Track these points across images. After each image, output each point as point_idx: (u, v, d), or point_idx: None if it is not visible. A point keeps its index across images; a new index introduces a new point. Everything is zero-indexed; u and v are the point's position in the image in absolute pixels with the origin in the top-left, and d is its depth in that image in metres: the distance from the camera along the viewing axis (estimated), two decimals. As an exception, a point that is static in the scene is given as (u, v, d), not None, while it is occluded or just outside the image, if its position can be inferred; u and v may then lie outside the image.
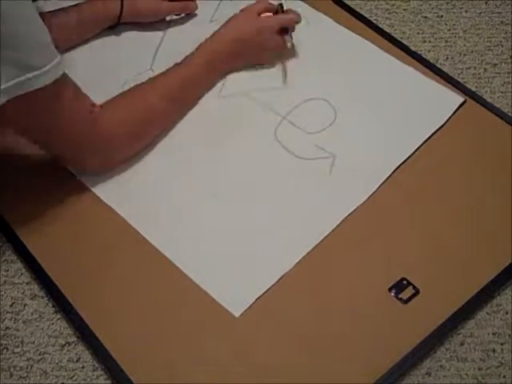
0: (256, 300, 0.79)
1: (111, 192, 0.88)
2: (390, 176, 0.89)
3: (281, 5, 0.99)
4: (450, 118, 0.94)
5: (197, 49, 0.94)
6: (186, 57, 0.93)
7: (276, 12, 0.99)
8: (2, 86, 0.69)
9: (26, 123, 0.78)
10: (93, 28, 1.03)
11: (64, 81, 0.76)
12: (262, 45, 0.97)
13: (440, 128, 0.93)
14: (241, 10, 0.98)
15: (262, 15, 0.98)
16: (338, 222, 0.85)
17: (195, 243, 0.84)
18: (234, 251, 0.83)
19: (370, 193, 0.87)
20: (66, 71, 0.76)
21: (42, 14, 0.73)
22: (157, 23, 1.07)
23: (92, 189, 0.88)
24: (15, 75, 0.70)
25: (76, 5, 0.99)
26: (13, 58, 0.69)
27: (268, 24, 0.97)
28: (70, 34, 1.00)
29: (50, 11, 0.96)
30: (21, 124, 0.78)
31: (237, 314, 0.78)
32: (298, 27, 0.99)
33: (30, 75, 0.70)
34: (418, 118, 0.95)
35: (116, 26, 1.04)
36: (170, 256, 0.82)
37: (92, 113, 0.82)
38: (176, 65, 0.93)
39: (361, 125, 0.94)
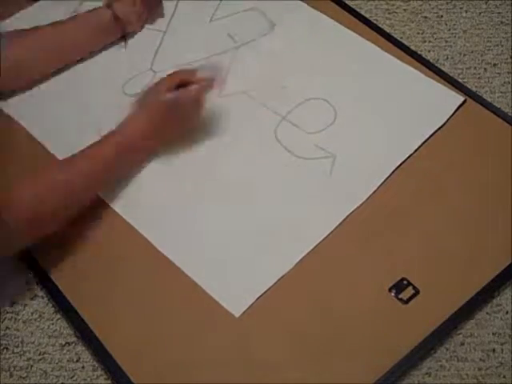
0: (256, 300, 0.79)
1: (112, 193, 0.88)
2: (389, 176, 0.89)
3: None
4: (450, 117, 0.94)
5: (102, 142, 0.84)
6: (93, 145, 0.83)
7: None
8: None
9: None
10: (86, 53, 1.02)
11: None
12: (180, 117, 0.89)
13: (440, 128, 0.93)
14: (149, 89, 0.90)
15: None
16: (338, 223, 0.85)
17: (195, 243, 0.84)
18: (234, 251, 0.83)
19: (370, 193, 0.87)
20: None
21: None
22: (157, 23, 1.07)
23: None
24: None
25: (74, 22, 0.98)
26: None
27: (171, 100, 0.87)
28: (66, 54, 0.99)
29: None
30: None
31: (237, 314, 0.78)
32: (298, 28, 0.99)
33: None
34: (418, 118, 0.95)
35: None
36: (170, 256, 0.82)
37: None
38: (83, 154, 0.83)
39: (361, 125, 0.94)
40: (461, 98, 0.96)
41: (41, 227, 0.78)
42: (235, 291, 0.80)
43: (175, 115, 0.88)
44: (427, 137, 0.92)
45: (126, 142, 0.85)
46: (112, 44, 1.03)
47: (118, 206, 0.87)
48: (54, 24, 0.96)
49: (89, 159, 0.83)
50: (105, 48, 1.02)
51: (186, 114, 0.90)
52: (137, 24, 1.04)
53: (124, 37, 1.03)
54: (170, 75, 0.90)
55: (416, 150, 0.91)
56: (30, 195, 0.77)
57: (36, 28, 0.95)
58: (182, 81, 0.88)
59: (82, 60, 1.01)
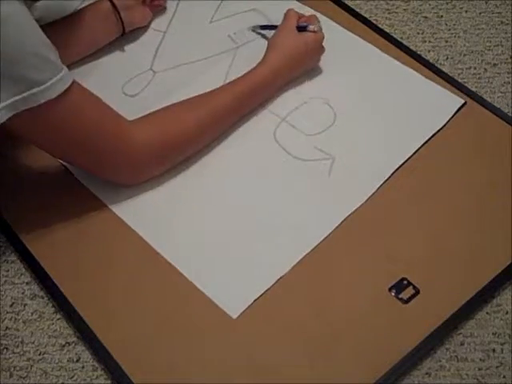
0: (256, 300, 0.79)
1: (109, 193, 0.88)
2: (388, 178, 0.89)
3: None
4: (449, 120, 0.94)
5: (242, 76, 0.92)
6: (229, 83, 0.92)
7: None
8: (3, 103, 0.69)
9: (43, 137, 0.77)
10: (93, 47, 1.01)
11: (79, 93, 0.75)
12: (308, 56, 0.97)
13: (439, 130, 0.93)
14: (279, 28, 0.97)
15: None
16: (337, 225, 0.85)
17: (193, 245, 0.84)
18: (232, 252, 0.83)
19: (369, 195, 0.87)
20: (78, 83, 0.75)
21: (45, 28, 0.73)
22: (156, 23, 1.07)
23: (89, 188, 0.88)
24: (17, 91, 0.70)
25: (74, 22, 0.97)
26: (13, 74, 0.69)
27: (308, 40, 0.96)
28: (69, 53, 0.97)
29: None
30: (39, 139, 0.77)
31: (234, 316, 0.78)
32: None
33: (34, 90, 0.70)
34: (418, 120, 0.95)
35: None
36: (168, 257, 0.82)
37: (119, 127, 0.80)
38: (220, 88, 0.90)
39: (360, 127, 0.94)
40: (461, 101, 0.96)
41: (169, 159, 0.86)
42: (233, 293, 0.80)
43: (310, 53, 0.96)
44: (426, 139, 0.92)
45: (261, 80, 0.92)
46: (112, 44, 1.03)
47: (117, 207, 0.87)
48: (51, 23, 0.96)
49: (226, 93, 0.89)
50: (105, 47, 1.02)
51: (316, 53, 0.98)
52: (139, 20, 1.03)
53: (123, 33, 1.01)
54: (292, 13, 0.97)
55: (415, 152, 0.91)
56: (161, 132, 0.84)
57: None
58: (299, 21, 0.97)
59: (82, 60, 1.01)
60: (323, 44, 0.98)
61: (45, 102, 0.71)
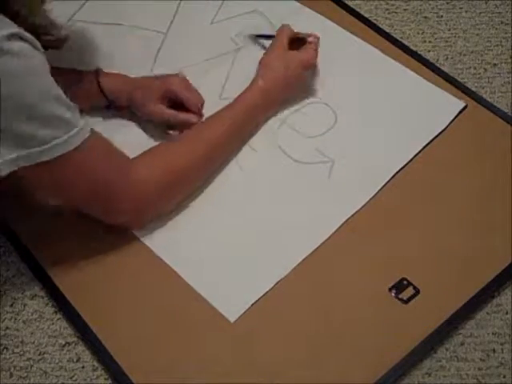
0: (255, 301, 0.79)
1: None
2: (389, 181, 0.89)
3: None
4: (450, 123, 0.94)
5: (234, 101, 0.90)
6: (222, 110, 0.89)
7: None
8: (10, 156, 0.69)
9: (51, 188, 0.76)
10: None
11: (92, 143, 0.74)
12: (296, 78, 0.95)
13: (440, 133, 0.93)
14: (269, 48, 0.96)
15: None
16: (337, 227, 0.85)
17: (192, 248, 0.84)
18: (231, 255, 0.83)
19: (369, 197, 0.87)
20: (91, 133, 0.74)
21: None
22: (157, 25, 1.07)
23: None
24: (20, 147, 0.69)
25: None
26: (26, 131, 0.69)
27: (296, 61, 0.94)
28: None
29: None
30: (43, 189, 0.77)
31: (232, 320, 0.78)
32: (299, 31, 0.99)
33: (40, 148, 0.70)
34: (419, 123, 0.95)
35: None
36: (167, 260, 0.82)
37: (126, 172, 0.79)
38: (213, 117, 0.89)
39: (361, 129, 0.94)
40: (462, 104, 0.96)
41: (173, 190, 0.84)
42: (231, 296, 0.80)
43: (299, 78, 0.95)
44: (427, 142, 0.92)
45: (268, 88, 0.91)
46: (113, 46, 1.03)
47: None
48: None
49: (220, 122, 0.88)
50: (106, 48, 1.02)
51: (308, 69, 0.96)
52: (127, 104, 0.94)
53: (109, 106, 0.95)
54: (284, 31, 0.96)
55: (416, 155, 0.91)
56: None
57: None
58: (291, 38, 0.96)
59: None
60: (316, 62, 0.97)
61: (53, 158, 0.70)
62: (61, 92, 0.71)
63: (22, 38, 0.67)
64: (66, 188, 0.76)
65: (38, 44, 0.70)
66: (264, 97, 0.92)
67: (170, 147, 0.86)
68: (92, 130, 0.75)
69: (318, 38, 0.97)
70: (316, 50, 0.96)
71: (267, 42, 0.99)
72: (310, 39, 0.96)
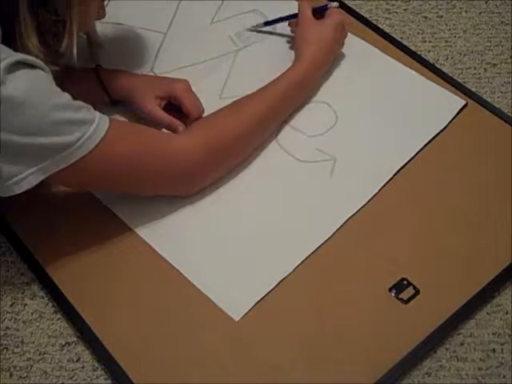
0: (258, 302, 0.79)
1: (108, 193, 0.88)
2: (390, 179, 0.89)
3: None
4: (451, 121, 0.94)
5: (279, 78, 0.92)
6: (271, 83, 0.91)
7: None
8: (33, 169, 0.70)
9: (90, 183, 0.79)
10: None
11: (116, 132, 0.75)
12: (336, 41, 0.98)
13: (441, 131, 0.93)
14: (299, 21, 0.98)
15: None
16: (338, 226, 0.85)
17: (195, 247, 0.84)
18: (234, 254, 0.83)
19: (370, 196, 0.87)
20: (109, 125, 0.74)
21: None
22: (157, 25, 1.07)
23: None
24: (43, 158, 0.70)
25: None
26: (44, 143, 0.69)
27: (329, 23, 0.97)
28: None
29: None
30: (87, 185, 0.81)
31: (236, 318, 0.78)
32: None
33: (65, 153, 0.71)
34: (419, 121, 0.95)
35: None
36: (169, 259, 0.82)
37: (167, 144, 0.81)
38: (262, 90, 0.90)
39: (362, 128, 0.94)
40: (462, 102, 0.96)
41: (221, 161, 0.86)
42: (235, 295, 0.79)
43: (337, 40, 0.97)
44: (427, 141, 0.92)
45: (303, 73, 0.93)
46: (113, 46, 1.03)
47: (116, 208, 0.86)
48: None
49: (268, 94, 0.89)
50: (106, 48, 1.02)
51: (341, 37, 0.99)
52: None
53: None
54: (304, 4, 0.98)
55: (417, 154, 0.91)
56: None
57: None
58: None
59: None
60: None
61: (84, 154, 0.72)
62: (66, 98, 0.71)
63: (25, 64, 0.68)
64: (104, 178, 0.77)
65: (42, 64, 0.70)
66: (310, 70, 0.93)
67: (217, 116, 0.87)
68: (110, 119, 0.75)
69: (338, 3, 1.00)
70: (339, 12, 0.99)
71: (266, 41, 1.00)
72: (331, 4, 0.98)
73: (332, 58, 0.98)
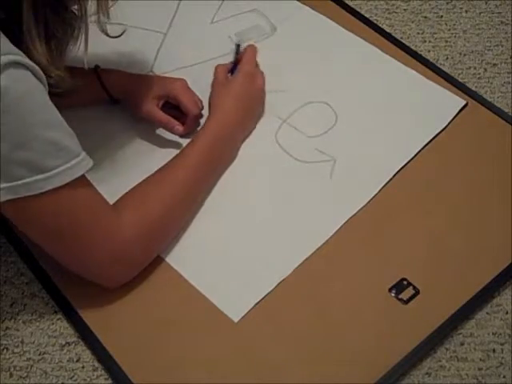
0: (256, 303, 0.79)
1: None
2: (390, 180, 0.89)
3: (238, 46, 0.96)
4: (451, 121, 0.94)
5: (193, 142, 0.86)
6: (178, 155, 0.85)
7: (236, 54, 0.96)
8: (3, 185, 0.65)
9: (33, 225, 0.72)
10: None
11: (82, 181, 0.70)
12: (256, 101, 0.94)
13: (441, 131, 0.93)
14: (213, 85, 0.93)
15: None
16: (338, 227, 0.85)
17: (194, 248, 0.84)
18: (233, 255, 0.83)
19: (371, 196, 0.87)
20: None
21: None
22: (157, 25, 1.06)
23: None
24: (22, 176, 0.66)
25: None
26: (23, 159, 0.65)
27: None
28: None
29: None
30: (27, 225, 0.72)
31: (236, 320, 0.78)
32: (299, 31, 0.99)
33: (39, 177, 0.66)
34: (420, 121, 0.95)
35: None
36: (169, 261, 0.82)
37: (109, 222, 0.75)
38: (177, 158, 0.84)
39: (362, 128, 0.94)
40: (462, 102, 0.96)
41: (154, 242, 0.80)
42: (234, 296, 0.79)
43: (255, 102, 0.94)
44: (428, 141, 0.92)
45: (222, 130, 0.87)
46: (113, 46, 1.03)
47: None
48: None
49: (180, 169, 0.83)
50: (106, 48, 1.02)
51: (261, 100, 0.95)
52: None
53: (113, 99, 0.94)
54: (219, 68, 0.94)
55: (417, 154, 0.91)
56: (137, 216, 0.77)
57: None
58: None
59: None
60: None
61: (49, 189, 0.67)
62: (58, 118, 0.68)
63: (22, 65, 0.64)
64: (46, 226, 0.71)
65: (40, 73, 0.67)
66: (215, 140, 0.87)
67: (149, 196, 0.80)
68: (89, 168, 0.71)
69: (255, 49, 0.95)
70: (247, 62, 0.93)
71: (266, 41, 1.00)
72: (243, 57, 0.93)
73: (251, 109, 0.93)
